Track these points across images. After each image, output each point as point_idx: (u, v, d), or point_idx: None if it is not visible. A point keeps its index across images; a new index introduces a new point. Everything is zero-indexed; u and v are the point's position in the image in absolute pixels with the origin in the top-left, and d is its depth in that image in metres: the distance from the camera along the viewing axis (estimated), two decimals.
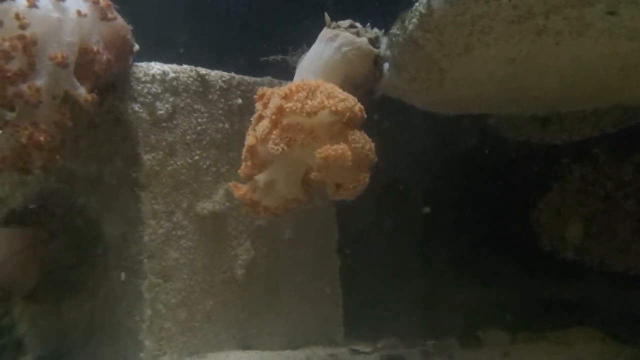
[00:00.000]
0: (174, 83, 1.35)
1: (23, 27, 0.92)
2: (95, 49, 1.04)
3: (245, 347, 1.46)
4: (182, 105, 1.36)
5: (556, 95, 1.20)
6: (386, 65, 1.11)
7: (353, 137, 0.96)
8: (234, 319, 1.45)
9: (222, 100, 1.44)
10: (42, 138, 0.92)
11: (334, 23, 1.11)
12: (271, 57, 1.28)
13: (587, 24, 0.82)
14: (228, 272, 1.45)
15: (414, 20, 0.97)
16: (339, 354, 1.46)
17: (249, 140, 1.10)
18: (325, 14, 1.11)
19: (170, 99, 1.34)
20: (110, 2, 1.11)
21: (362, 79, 1.09)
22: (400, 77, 1.14)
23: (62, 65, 0.96)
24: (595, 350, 1.22)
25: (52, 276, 1.31)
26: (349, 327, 1.64)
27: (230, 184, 1.14)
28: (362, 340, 1.64)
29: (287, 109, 0.97)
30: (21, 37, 0.92)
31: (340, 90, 0.99)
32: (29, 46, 0.92)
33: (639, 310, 1.38)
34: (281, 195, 1.07)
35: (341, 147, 0.93)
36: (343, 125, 0.98)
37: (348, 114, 0.96)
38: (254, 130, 1.10)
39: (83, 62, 1.03)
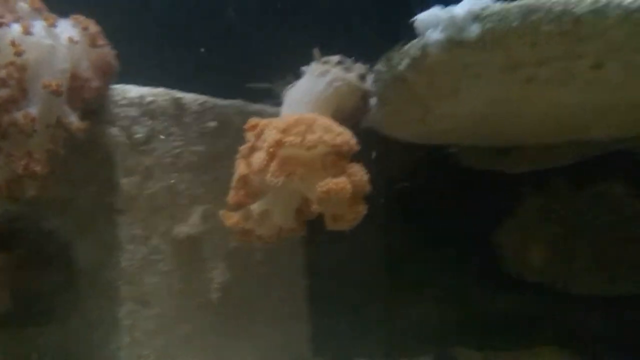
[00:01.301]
0: (151, 106, 1.35)
1: (19, 54, 0.91)
2: (85, 75, 1.04)
3: None
4: (159, 128, 1.37)
5: (524, 131, 1.29)
6: (373, 100, 1.17)
7: (351, 170, 1.00)
8: (210, 343, 1.46)
9: (197, 123, 1.45)
10: (37, 168, 0.92)
11: (324, 58, 1.15)
12: (257, 85, 1.31)
13: (574, 75, 0.91)
14: (204, 296, 1.46)
15: (406, 60, 1.03)
16: None
17: (241, 169, 1.12)
18: (315, 49, 1.16)
19: (148, 123, 1.34)
20: (99, 28, 1.11)
21: (351, 112, 1.14)
22: (384, 111, 1.19)
23: (57, 93, 0.95)
24: None
25: (23, 303, 1.28)
26: (318, 348, 1.69)
27: (221, 212, 1.17)
28: (329, 359, 1.69)
29: (287, 143, 1.00)
30: (13, 64, 0.91)
31: (336, 124, 1.03)
32: (21, 73, 0.92)
33: (599, 328, 1.50)
34: (276, 225, 1.10)
35: (342, 181, 0.97)
36: (339, 157, 1.02)
37: (345, 147, 1.01)
38: (245, 159, 1.13)
39: (74, 89, 1.02)
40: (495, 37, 0.87)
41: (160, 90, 1.38)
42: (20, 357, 1.31)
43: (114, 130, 1.28)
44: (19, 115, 0.91)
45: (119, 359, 1.27)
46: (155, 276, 1.36)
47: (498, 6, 0.87)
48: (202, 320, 1.45)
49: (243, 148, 1.15)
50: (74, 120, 1.01)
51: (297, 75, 1.27)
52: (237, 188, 1.15)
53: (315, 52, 1.16)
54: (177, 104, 1.41)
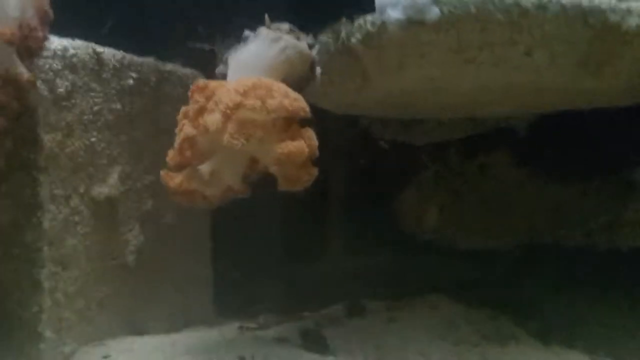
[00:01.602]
0: (74, 60, 1.31)
1: None
2: (33, 24, 0.99)
3: (136, 332, 1.49)
4: (79, 83, 1.34)
5: (439, 107, 1.45)
6: (318, 69, 1.24)
7: (307, 134, 1.08)
8: (125, 305, 1.48)
9: (115, 80, 1.43)
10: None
11: (274, 24, 1.20)
12: (199, 46, 1.32)
13: (507, 59, 1.07)
14: (120, 258, 1.47)
15: (358, 35, 1.11)
16: (229, 333, 1.57)
17: (187, 130, 1.13)
18: (266, 15, 1.20)
19: (70, 77, 1.30)
20: None
21: (299, 80, 1.20)
22: (321, 80, 1.27)
23: (11, 42, 0.90)
24: (457, 310, 1.57)
25: None
26: (224, 307, 1.76)
27: (162, 172, 1.17)
28: (233, 318, 1.77)
29: (248, 106, 1.04)
30: None
31: (292, 90, 1.10)
32: None
33: (479, 278, 1.77)
34: (225, 185, 1.14)
35: (301, 144, 1.04)
36: (293, 122, 1.09)
37: (301, 112, 1.07)
38: (192, 120, 1.14)
39: (22, 39, 0.97)
40: (452, 21, 0.99)
41: (81, 42, 1.34)
42: None
43: (37, 83, 1.22)
44: None
45: (40, 321, 1.25)
46: (75, 237, 1.34)
47: None
48: (117, 282, 1.46)
49: (189, 109, 1.15)
50: (23, 71, 0.96)
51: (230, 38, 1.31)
52: (182, 149, 1.16)
53: (266, 17, 1.20)
54: (98, 58, 1.38)
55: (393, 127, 1.73)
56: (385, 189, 1.82)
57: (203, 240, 1.78)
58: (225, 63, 1.32)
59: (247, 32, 1.29)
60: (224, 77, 1.35)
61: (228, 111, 1.07)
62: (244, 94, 1.06)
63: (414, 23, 1.02)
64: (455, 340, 1.42)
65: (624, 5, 0.99)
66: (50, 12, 1.12)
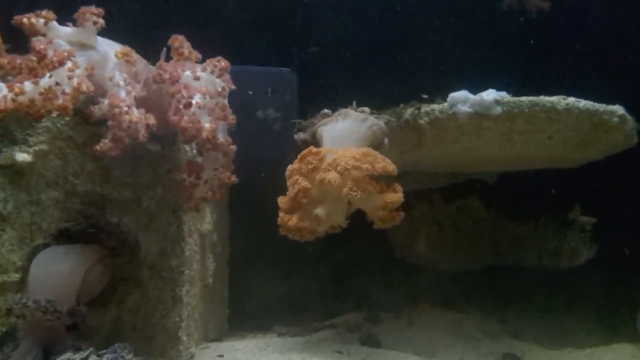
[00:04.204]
0: None
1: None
2: None
3: (209, 339, 1.80)
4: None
5: (441, 164, 1.94)
6: (386, 140, 1.66)
7: (398, 187, 1.48)
8: (204, 317, 1.77)
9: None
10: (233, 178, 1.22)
11: (359, 108, 1.61)
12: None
13: (534, 140, 1.52)
14: (206, 279, 1.76)
15: (426, 118, 1.56)
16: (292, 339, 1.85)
17: (304, 183, 1.48)
18: (354, 102, 1.61)
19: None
20: None
21: (378, 147, 1.62)
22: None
23: (230, 123, 1.25)
24: (452, 315, 2.03)
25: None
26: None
27: (280, 214, 1.49)
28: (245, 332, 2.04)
29: (363, 168, 1.43)
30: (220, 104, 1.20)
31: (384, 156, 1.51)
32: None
33: (456, 292, 2.27)
34: (330, 223, 1.51)
35: (398, 195, 1.45)
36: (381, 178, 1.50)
37: (394, 172, 1.48)
38: (306, 176, 1.49)
39: None
40: (510, 116, 1.46)
41: None
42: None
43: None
44: (222, 139, 1.19)
45: (180, 328, 1.50)
46: (195, 263, 1.63)
47: (514, 98, 1.48)
48: (204, 299, 1.75)
49: (299, 167, 1.49)
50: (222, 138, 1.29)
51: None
52: (297, 197, 1.49)
53: (354, 103, 1.61)
54: None
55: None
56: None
57: (224, 268, 2.08)
58: (307, 132, 1.72)
59: (326, 110, 1.70)
60: (303, 142, 1.75)
61: (345, 171, 1.45)
62: (359, 159, 1.45)
63: (480, 115, 1.49)
64: (465, 336, 1.87)
65: (610, 108, 1.54)
66: None
